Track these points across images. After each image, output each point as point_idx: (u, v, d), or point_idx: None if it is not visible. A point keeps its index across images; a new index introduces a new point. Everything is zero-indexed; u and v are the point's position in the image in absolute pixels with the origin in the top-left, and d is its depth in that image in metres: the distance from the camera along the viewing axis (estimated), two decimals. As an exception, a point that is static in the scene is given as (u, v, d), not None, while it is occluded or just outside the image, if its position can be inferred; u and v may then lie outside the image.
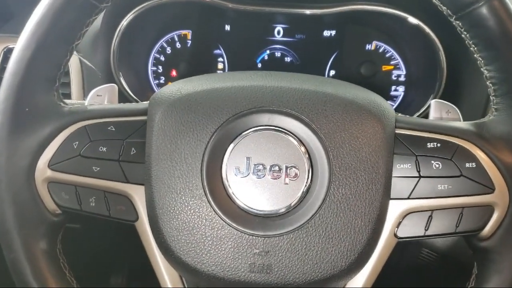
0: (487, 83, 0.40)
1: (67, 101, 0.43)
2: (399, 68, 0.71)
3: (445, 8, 0.39)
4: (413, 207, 0.39)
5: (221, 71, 0.74)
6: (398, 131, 0.40)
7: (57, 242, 0.42)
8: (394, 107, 0.71)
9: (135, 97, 0.68)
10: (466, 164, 0.38)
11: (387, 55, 0.71)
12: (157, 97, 0.41)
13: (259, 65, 0.73)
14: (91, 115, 0.41)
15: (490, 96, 0.40)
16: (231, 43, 0.73)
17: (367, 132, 0.38)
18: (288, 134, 0.38)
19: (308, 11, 0.67)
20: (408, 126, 0.40)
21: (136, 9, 0.66)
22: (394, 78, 0.72)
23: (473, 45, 0.39)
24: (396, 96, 0.71)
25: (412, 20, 0.64)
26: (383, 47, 0.71)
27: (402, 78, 0.71)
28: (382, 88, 0.71)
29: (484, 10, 0.37)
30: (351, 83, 0.44)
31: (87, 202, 0.40)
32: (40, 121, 0.40)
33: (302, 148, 0.38)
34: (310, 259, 0.37)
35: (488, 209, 0.39)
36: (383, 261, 0.40)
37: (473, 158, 0.39)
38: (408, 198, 0.39)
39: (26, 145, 0.39)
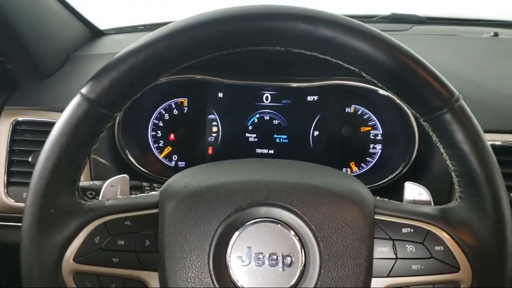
0: (452, 174, 0.46)
1: (81, 184, 0.49)
2: (376, 128, 0.79)
3: (414, 111, 0.46)
4: (392, 283, 0.45)
5: (215, 134, 0.80)
6: (377, 216, 0.46)
7: None
8: (373, 163, 0.79)
9: (139, 166, 0.74)
10: (436, 247, 0.45)
11: (365, 117, 0.79)
12: (167, 191, 0.47)
13: (250, 127, 0.80)
14: (109, 211, 0.47)
15: (455, 185, 0.47)
16: (223, 109, 0.80)
17: (351, 221, 0.45)
18: (283, 225, 0.45)
19: (294, 84, 0.75)
20: (385, 212, 0.47)
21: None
22: (372, 137, 0.79)
23: (439, 143, 0.46)
24: (375, 153, 0.79)
25: (382, 92, 0.72)
26: (361, 110, 0.79)
27: (379, 137, 0.79)
28: (362, 146, 0.79)
29: (448, 116, 0.44)
30: (336, 170, 0.51)
31: None
32: (65, 219, 0.46)
33: (296, 238, 0.44)
34: None
35: (455, 285, 0.45)
36: None
37: (441, 242, 0.45)
38: (388, 276, 0.45)
39: (53, 242, 0.45)
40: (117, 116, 0.47)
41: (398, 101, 0.71)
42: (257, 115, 0.79)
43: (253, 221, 0.45)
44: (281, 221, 0.45)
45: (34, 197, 0.45)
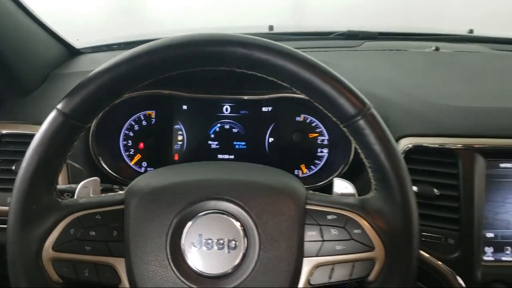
0: (368, 170, 0.56)
1: (58, 187, 0.57)
2: (323, 135, 0.89)
3: (334, 118, 0.56)
4: (320, 262, 0.55)
5: (181, 142, 0.89)
6: (307, 206, 0.56)
7: None
8: (321, 165, 0.89)
9: (111, 172, 0.83)
10: (354, 230, 0.55)
11: (313, 124, 0.89)
12: (131, 190, 0.56)
13: (212, 136, 0.89)
14: (82, 208, 0.56)
15: (371, 179, 0.57)
16: (188, 119, 0.89)
17: (285, 210, 0.54)
18: (229, 215, 0.54)
19: (250, 97, 0.85)
20: (314, 202, 0.56)
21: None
22: (319, 142, 0.89)
23: (356, 145, 0.56)
24: (322, 157, 0.89)
25: None
26: (309, 119, 0.89)
27: (325, 142, 0.89)
28: (310, 151, 0.89)
29: (361, 122, 0.54)
30: (276, 168, 0.61)
31: (82, 273, 0.54)
32: (44, 215, 0.54)
33: (240, 226, 0.54)
34: None
35: (371, 262, 0.55)
36: None
37: (359, 226, 0.55)
38: (316, 256, 0.55)
39: (35, 234, 0.53)
40: (89, 127, 0.56)
41: None
42: (218, 125, 0.89)
43: (203, 213, 0.54)
44: (227, 212, 0.54)
45: (17, 197, 0.53)
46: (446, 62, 1.07)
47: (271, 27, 1.38)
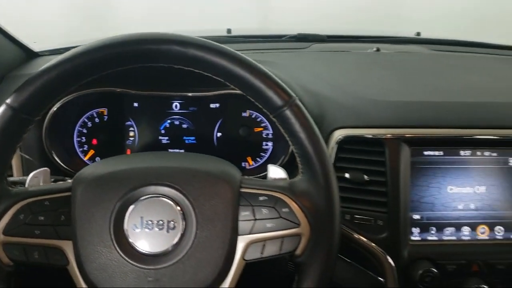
0: (295, 155, 0.63)
1: (11, 179, 0.62)
2: (267, 129, 0.95)
3: (265, 110, 0.62)
4: (253, 239, 0.60)
5: (132, 138, 0.94)
6: (242, 189, 0.61)
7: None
8: (266, 157, 0.95)
9: (65, 166, 0.87)
10: (283, 209, 0.61)
11: (258, 119, 0.95)
12: (78, 178, 0.61)
13: (162, 131, 0.94)
14: (32, 195, 0.60)
15: (298, 164, 0.63)
16: (139, 116, 0.94)
17: (220, 193, 0.60)
18: (168, 199, 0.59)
19: (194, 94, 0.91)
20: (248, 186, 0.62)
21: (61, 101, 0.85)
22: (264, 136, 0.95)
23: (284, 133, 0.62)
24: (267, 149, 0.95)
25: None
26: (254, 114, 0.95)
27: (270, 136, 0.95)
28: (256, 144, 0.95)
29: (288, 112, 0.60)
30: (215, 157, 0.67)
31: (32, 255, 0.58)
32: None
33: (178, 208, 0.59)
34: (187, 280, 0.58)
35: (298, 238, 0.60)
36: (237, 278, 0.61)
37: (287, 205, 0.61)
38: (249, 234, 0.60)
39: None
40: (38, 120, 0.60)
41: None
42: (168, 121, 0.94)
43: (144, 197, 0.59)
44: (166, 196, 0.59)
45: None
46: (385, 61, 1.15)
47: (229, 31, 1.44)
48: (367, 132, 0.82)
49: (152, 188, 0.60)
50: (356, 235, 0.80)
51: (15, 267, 0.60)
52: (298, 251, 0.61)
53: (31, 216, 0.59)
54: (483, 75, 1.05)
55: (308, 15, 2.21)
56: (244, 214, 0.61)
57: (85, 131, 0.93)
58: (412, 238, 0.82)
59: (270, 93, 0.60)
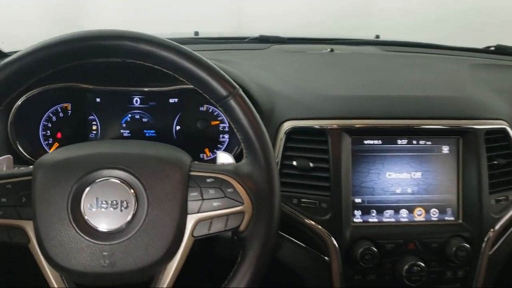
0: (240, 141, 0.69)
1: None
2: (224, 122, 1.01)
3: (211, 100, 0.68)
4: (201, 217, 0.66)
5: (95, 131, 0.99)
6: (191, 173, 0.68)
7: None
8: (223, 149, 1.01)
9: (29, 157, 0.92)
10: (228, 190, 0.67)
11: (215, 113, 1.01)
12: (38, 163, 0.66)
13: (124, 125, 1.00)
14: None
15: (243, 149, 0.69)
16: (101, 110, 0.99)
17: (171, 176, 0.66)
18: (121, 181, 0.65)
19: (149, 89, 0.97)
20: (197, 169, 0.68)
21: (26, 95, 0.90)
22: (221, 129, 1.01)
23: (229, 121, 0.69)
24: (223, 141, 1.01)
25: None
26: (211, 108, 1.01)
27: (226, 129, 1.01)
28: (213, 136, 1.01)
29: (232, 102, 0.67)
30: (167, 144, 0.73)
31: None
32: None
33: (131, 189, 0.64)
34: (139, 254, 0.64)
35: (241, 215, 0.67)
36: (187, 253, 0.67)
37: (232, 186, 0.67)
38: (198, 212, 0.67)
39: None
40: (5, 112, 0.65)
41: None
42: (129, 115, 1.00)
43: (99, 179, 0.64)
44: (120, 178, 0.65)
45: None
46: (337, 60, 1.23)
47: (196, 33, 1.51)
48: (312, 123, 0.89)
49: (107, 172, 0.65)
50: (302, 218, 0.87)
51: None
52: (242, 227, 0.67)
53: None
54: (427, 72, 1.13)
55: (275, 19, 2.29)
56: (193, 194, 0.67)
57: (50, 125, 0.98)
58: (354, 220, 0.89)
59: (215, 85, 0.67)
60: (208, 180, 0.68)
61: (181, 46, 0.67)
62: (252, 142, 0.68)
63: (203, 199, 0.67)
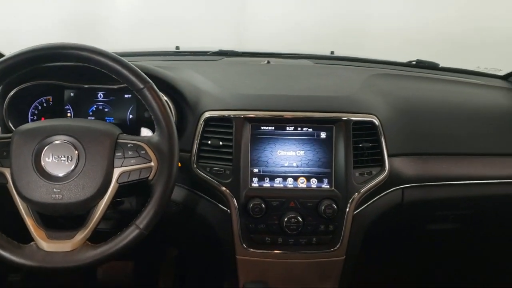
0: (152, 119, 1.02)
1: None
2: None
3: (132, 89, 1.01)
4: (123, 170, 0.98)
5: (70, 117, 1.33)
6: (118, 140, 1.01)
7: None
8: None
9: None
10: (141, 152, 1.00)
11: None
12: (15, 131, 1.00)
13: (91, 113, 1.34)
14: None
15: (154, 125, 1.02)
16: (74, 102, 1.33)
17: (103, 141, 0.99)
18: (69, 143, 0.98)
19: (109, 86, 1.31)
20: (122, 138, 1.01)
21: (16, 88, 1.25)
22: None
23: (145, 105, 1.02)
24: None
25: None
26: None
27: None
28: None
29: (145, 91, 1.00)
30: (107, 122, 1.07)
31: None
32: None
33: (75, 150, 0.98)
34: (78, 191, 0.97)
35: (150, 168, 0.99)
36: (113, 195, 1.00)
37: (144, 149, 1.00)
38: (121, 166, 1.00)
39: None
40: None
41: None
42: (95, 106, 1.34)
43: (54, 142, 0.98)
44: (68, 141, 0.99)
45: None
46: (268, 69, 1.56)
47: (177, 47, 1.86)
48: (223, 114, 1.22)
49: (59, 137, 0.99)
50: (213, 181, 1.19)
51: None
52: (150, 177, 1.00)
53: None
54: (331, 79, 1.46)
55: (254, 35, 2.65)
56: (118, 154, 1.00)
57: (36, 112, 1.33)
58: (252, 184, 1.21)
59: (133, 79, 1.00)
60: (129, 145, 1.01)
61: (110, 52, 1.00)
62: (160, 121, 1.01)
63: (124, 158, 1.00)
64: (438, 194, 1.32)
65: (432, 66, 1.80)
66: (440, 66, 1.82)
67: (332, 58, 1.80)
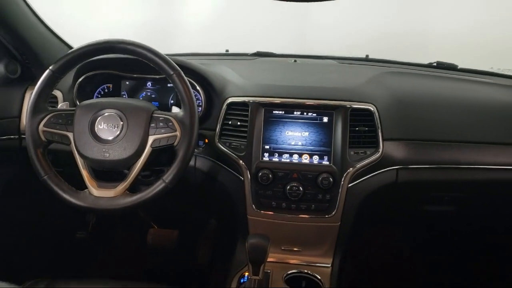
0: (180, 100, 1.31)
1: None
2: (199, 99, 1.63)
3: (164, 75, 1.31)
4: (155, 138, 1.29)
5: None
6: (153, 114, 1.31)
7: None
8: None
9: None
10: (169, 123, 1.29)
11: (194, 93, 1.63)
12: (79, 104, 1.34)
13: (140, 98, 1.65)
14: (56, 110, 1.33)
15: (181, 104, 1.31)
16: (129, 89, 1.66)
17: (141, 115, 1.30)
18: (116, 115, 1.30)
19: (157, 76, 1.61)
20: (156, 113, 1.31)
21: (84, 76, 1.59)
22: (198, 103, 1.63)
23: (175, 89, 1.31)
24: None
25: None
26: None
27: (200, 103, 1.63)
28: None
29: (174, 77, 1.30)
30: (145, 101, 1.38)
31: (54, 139, 1.31)
32: (39, 112, 1.32)
33: (119, 119, 1.30)
34: (121, 151, 1.27)
35: (175, 136, 1.28)
36: (147, 157, 1.29)
37: (171, 121, 1.29)
38: (154, 135, 1.29)
39: (36, 120, 1.31)
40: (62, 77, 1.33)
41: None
42: (144, 93, 1.66)
43: (106, 114, 1.30)
44: (116, 113, 1.30)
45: (31, 103, 1.32)
46: (293, 66, 1.81)
47: (227, 50, 2.15)
48: (242, 100, 1.49)
49: (109, 110, 1.31)
50: (231, 153, 1.46)
51: (47, 142, 1.32)
52: (175, 143, 1.29)
53: (55, 119, 1.31)
54: (345, 74, 1.67)
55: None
56: (152, 125, 1.30)
57: (99, 96, 1.67)
58: (264, 158, 1.46)
59: (165, 66, 1.30)
60: (161, 118, 1.31)
61: (149, 46, 1.30)
62: (185, 100, 1.30)
63: (156, 128, 1.30)
64: (430, 176, 1.49)
65: (451, 67, 1.95)
66: (459, 67, 1.96)
67: (358, 59, 2.00)
